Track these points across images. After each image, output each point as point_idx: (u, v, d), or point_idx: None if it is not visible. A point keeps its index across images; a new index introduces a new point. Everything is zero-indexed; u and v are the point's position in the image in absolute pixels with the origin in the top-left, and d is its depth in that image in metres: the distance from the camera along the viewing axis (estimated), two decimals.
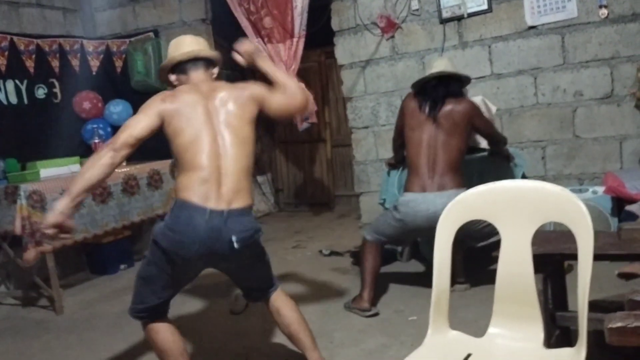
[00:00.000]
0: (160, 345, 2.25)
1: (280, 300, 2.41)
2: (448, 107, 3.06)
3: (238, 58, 2.42)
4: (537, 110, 3.81)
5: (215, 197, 2.08)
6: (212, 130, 2.16)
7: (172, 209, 2.15)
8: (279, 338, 2.80)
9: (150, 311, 2.27)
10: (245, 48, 2.40)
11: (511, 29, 3.81)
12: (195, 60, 2.32)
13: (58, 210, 2.01)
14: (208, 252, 2.11)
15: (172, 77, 2.37)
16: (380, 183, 4.01)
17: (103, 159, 2.07)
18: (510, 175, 3.47)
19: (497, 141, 3.30)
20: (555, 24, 3.68)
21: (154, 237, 2.16)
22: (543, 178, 3.78)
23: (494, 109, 3.61)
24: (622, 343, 1.08)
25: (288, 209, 6.98)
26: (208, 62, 2.36)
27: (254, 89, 2.30)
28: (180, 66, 2.32)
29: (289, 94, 2.29)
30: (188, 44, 2.35)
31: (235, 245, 2.08)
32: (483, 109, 3.53)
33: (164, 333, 2.25)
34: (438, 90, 3.10)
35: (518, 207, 1.59)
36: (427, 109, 3.10)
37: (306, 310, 3.27)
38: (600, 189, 3.38)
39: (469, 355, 1.54)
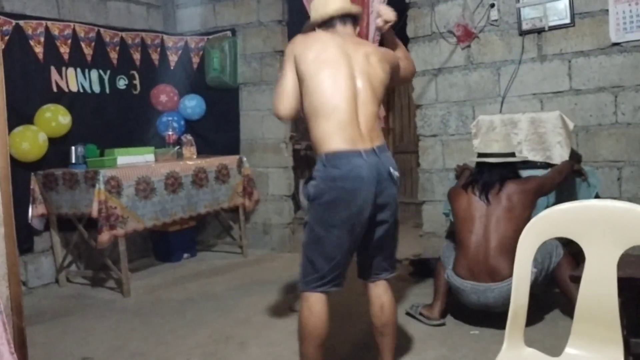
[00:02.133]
0: (305, 325, 2.18)
1: (387, 296, 2.37)
2: (504, 190, 3.00)
3: (378, 20, 2.48)
4: (616, 129, 3.69)
5: (360, 138, 2.12)
6: (349, 71, 2.19)
7: (323, 164, 2.11)
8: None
9: (319, 280, 2.17)
10: (390, 17, 2.47)
11: (593, 44, 3.70)
12: (343, 16, 2.38)
13: None
14: (374, 191, 2.11)
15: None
16: (445, 193, 3.97)
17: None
18: (583, 193, 3.38)
19: (563, 179, 3.18)
20: None
21: (314, 197, 2.12)
22: (617, 200, 3.65)
23: (571, 125, 3.52)
24: None
25: None
26: (354, 20, 2.43)
27: (393, 54, 2.47)
28: (328, 22, 2.38)
29: (410, 62, 2.56)
30: (335, 2, 2.38)
31: (395, 174, 2.17)
32: (560, 124, 3.47)
33: (315, 305, 2.17)
34: (493, 173, 3.06)
35: (605, 227, 1.56)
36: (478, 193, 3.05)
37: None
38: None
39: None
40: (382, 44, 4.38)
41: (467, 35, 4.09)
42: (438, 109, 4.30)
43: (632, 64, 3.61)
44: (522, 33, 3.90)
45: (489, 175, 3.06)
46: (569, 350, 1.58)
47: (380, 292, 2.36)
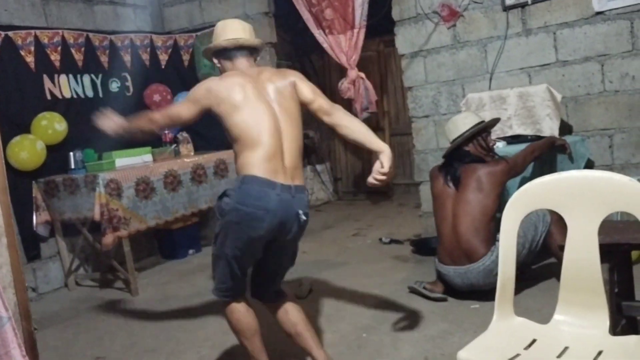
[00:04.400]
0: (235, 325, 2.34)
1: (285, 301, 2.42)
2: (473, 173, 3.06)
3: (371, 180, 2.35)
4: (605, 97, 3.72)
5: (282, 172, 2.18)
6: (268, 108, 2.22)
7: (239, 185, 2.18)
8: None
9: (230, 290, 2.32)
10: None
11: (577, 15, 3.72)
12: (240, 47, 2.36)
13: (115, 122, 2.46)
14: (277, 225, 2.16)
15: (215, 61, 2.44)
16: None
17: (146, 121, 2.44)
18: (567, 166, 3.42)
19: (536, 156, 3.23)
20: (623, 9, 3.57)
21: (222, 213, 2.20)
22: (610, 167, 3.70)
23: (559, 97, 3.57)
24: None
25: (347, 197, 7.08)
26: (252, 50, 2.42)
27: (295, 75, 2.40)
28: (225, 52, 2.37)
29: (341, 116, 2.31)
30: (234, 30, 2.37)
31: (302, 218, 2.19)
32: (548, 97, 3.51)
33: (238, 313, 2.33)
34: (459, 158, 3.14)
35: (585, 196, 1.61)
36: (445, 180, 3.16)
37: (368, 296, 3.38)
38: None
39: (534, 340, 1.58)
40: (366, 33, 4.44)
41: (451, 15, 4.11)
42: (428, 90, 4.34)
43: (616, 32, 3.63)
44: (506, 8, 3.92)
45: (454, 161, 3.15)
46: (557, 317, 1.64)
47: (278, 305, 2.42)
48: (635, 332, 2.04)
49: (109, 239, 3.84)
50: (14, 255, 1.44)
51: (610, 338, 1.54)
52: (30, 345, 1.46)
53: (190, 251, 5.01)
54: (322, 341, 2.61)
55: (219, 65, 2.44)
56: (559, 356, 1.49)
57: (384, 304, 3.24)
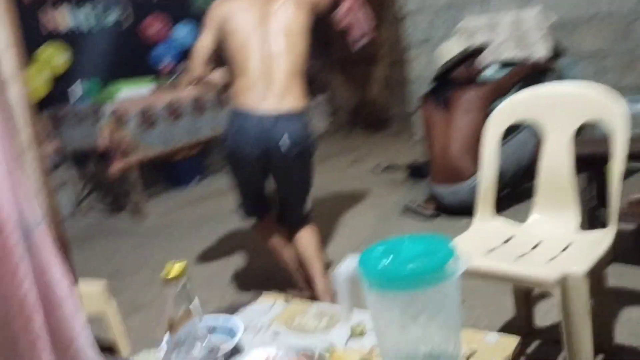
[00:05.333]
0: (269, 243, 2.52)
1: (307, 229, 2.46)
2: (462, 96, 3.19)
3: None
4: (597, 20, 3.78)
5: (269, 97, 2.20)
6: (264, 33, 2.24)
7: (228, 118, 2.31)
8: None
9: (247, 208, 2.49)
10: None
11: None
12: None
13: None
14: (261, 153, 2.22)
15: None
16: None
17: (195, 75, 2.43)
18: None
19: (520, 79, 3.32)
20: None
21: (223, 144, 2.37)
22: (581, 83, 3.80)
23: (552, 19, 3.62)
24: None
25: (345, 128, 7.19)
26: None
27: None
28: None
29: None
30: None
31: (282, 147, 2.19)
32: (540, 20, 3.56)
33: (262, 230, 2.52)
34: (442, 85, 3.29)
35: (560, 108, 1.74)
36: (436, 102, 3.29)
37: (364, 216, 3.57)
38: None
39: (512, 237, 1.76)
40: None
41: None
42: (425, 15, 4.38)
43: None
44: None
45: (443, 85, 3.28)
46: (532, 217, 1.81)
47: (297, 230, 2.47)
48: None
49: (116, 166, 4.00)
50: (40, 165, 1.57)
51: (580, 233, 1.71)
52: (63, 250, 1.62)
53: (194, 180, 5.17)
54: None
55: None
56: (532, 248, 1.67)
57: (378, 224, 3.43)
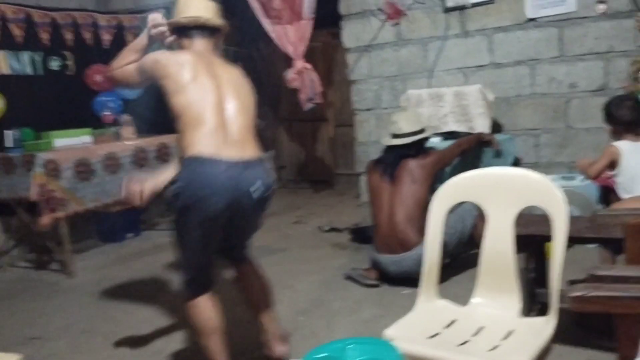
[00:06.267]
0: (193, 321, 2.22)
1: (253, 269, 2.42)
2: (405, 167, 3.25)
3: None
4: (533, 100, 3.98)
5: (230, 146, 2.09)
6: (216, 88, 2.17)
7: (183, 168, 2.09)
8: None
9: (196, 282, 2.22)
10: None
11: (512, 20, 3.95)
12: (200, 27, 2.27)
13: None
14: (230, 203, 2.07)
15: (173, 37, 2.36)
16: None
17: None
18: (493, 162, 3.63)
19: (463, 150, 3.44)
20: (553, 17, 3.82)
21: (173, 200, 2.09)
22: (536, 165, 3.96)
23: (491, 97, 3.78)
24: (582, 309, 1.27)
25: (290, 185, 7.17)
26: (213, 30, 2.32)
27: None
28: (185, 30, 2.29)
29: None
30: (196, 8, 2.29)
31: (254, 193, 2.09)
32: (481, 97, 3.71)
33: (198, 308, 2.20)
34: (394, 155, 3.31)
35: (503, 191, 1.77)
36: (382, 173, 3.32)
37: (306, 281, 3.50)
38: None
39: (454, 320, 1.73)
40: (314, 24, 4.53)
41: (396, 13, 4.27)
42: (372, 84, 4.49)
43: (546, 38, 3.88)
44: (447, 10, 4.11)
45: (391, 156, 3.32)
46: (474, 299, 1.80)
47: (245, 271, 2.41)
48: None
49: (46, 219, 3.79)
50: None
51: (521, 319, 1.71)
52: None
53: (129, 235, 4.98)
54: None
55: (176, 42, 2.37)
56: (474, 335, 1.64)
57: (320, 288, 3.36)
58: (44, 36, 4.65)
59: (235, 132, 2.15)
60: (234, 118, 2.17)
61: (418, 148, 3.34)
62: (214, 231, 2.16)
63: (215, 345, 2.20)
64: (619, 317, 1.27)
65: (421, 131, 3.34)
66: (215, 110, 2.14)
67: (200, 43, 2.29)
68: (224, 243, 2.32)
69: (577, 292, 1.25)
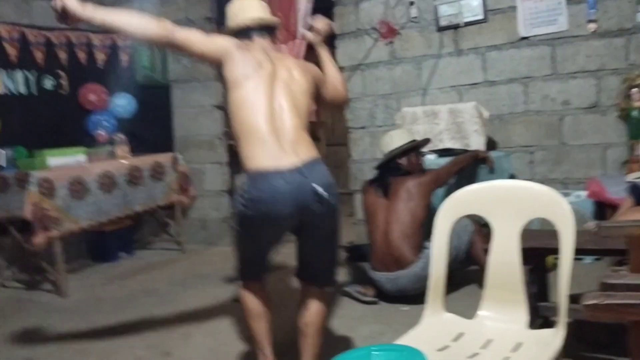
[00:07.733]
0: (243, 305, 2.38)
1: (315, 299, 2.34)
2: (402, 184, 3.27)
3: (308, 34, 2.55)
4: (527, 117, 4.02)
5: (284, 154, 2.09)
6: (271, 92, 2.17)
7: (247, 181, 2.12)
8: None
9: (245, 274, 2.37)
10: (322, 27, 2.53)
11: (505, 39, 4.01)
12: (260, 27, 2.32)
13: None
14: (298, 210, 2.09)
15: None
16: None
17: (149, 21, 2.18)
18: (488, 178, 3.65)
19: (460, 168, 3.46)
20: (546, 36, 3.89)
21: (237, 211, 2.17)
22: (530, 181, 3.98)
23: (486, 114, 3.82)
24: (596, 318, 1.27)
25: None
26: (271, 29, 2.38)
27: (316, 70, 2.44)
28: (246, 32, 2.31)
29: (338, 85, 2.51)
30: (254, 9, 2.34)
31: (322, 194, 2.08)
32: (476, 114, 3.75)
33: (247, 295, 2.36)
34: (389, 173, 3.36)
35: (508, 203, 1.78)
36: (377, 191, 3.36)
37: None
38: (583, 194, 3.59)
39: (461, 333, 1.72)
40: (307, 44, 4.54)
41: (390, 32, 4.32)
42: (366, 102, 4.52)
43: (539, 56, 3.94)
44: (440, 29, 4.17)
45: (387, 174, 3.36)
46: (480, 312, 1.79)
47: (310, 294, 2.35)
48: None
49: (39, 239, 3.74)
50: None
51: (529, 331, 1.71)
52: None
53: (122, 254, 4.93)
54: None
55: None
56: (483, 347, 1.64)
57: None
58: (38, 55, 4.63)
59: (289, 133, 2.15)
60: (286, 120, 2.17)
61: (411, 162, 3.34)
62: (276, 236, 2.25)
63: (259, 328, 2.36)
64: (632, 324, 1.27)
65: (413, 141, 3.37)
66: (268, 111, 2.14)
67: (261, 42, 2.31)
68: (302, 258, 2.36)
69: (590, 301, 1.25)
